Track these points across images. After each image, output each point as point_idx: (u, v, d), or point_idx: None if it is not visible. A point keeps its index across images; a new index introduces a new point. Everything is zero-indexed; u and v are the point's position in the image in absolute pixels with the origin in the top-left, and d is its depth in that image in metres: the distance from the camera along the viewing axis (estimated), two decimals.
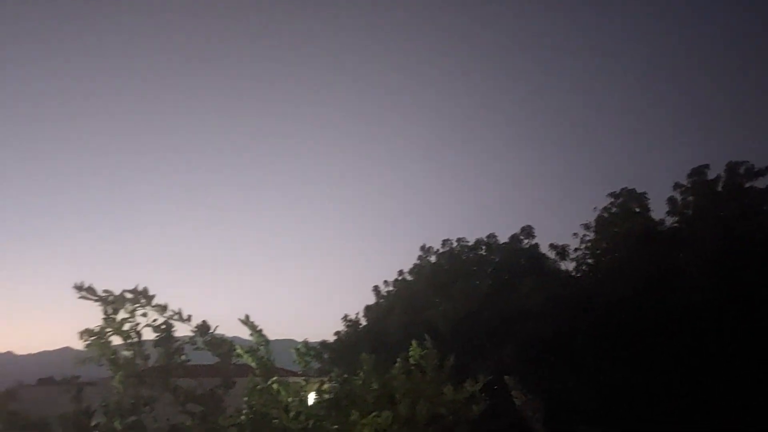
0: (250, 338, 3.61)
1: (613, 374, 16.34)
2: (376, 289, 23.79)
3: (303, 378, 3.77)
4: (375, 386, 3.44)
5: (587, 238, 22.04)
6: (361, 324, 22.81)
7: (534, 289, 18.14)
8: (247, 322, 3.27)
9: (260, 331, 3.29)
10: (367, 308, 23.44)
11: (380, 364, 4.00)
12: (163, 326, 2.98)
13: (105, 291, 2.88)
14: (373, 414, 2.98)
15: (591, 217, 21.84)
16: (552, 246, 21.47)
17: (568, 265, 21.80)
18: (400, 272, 23.01)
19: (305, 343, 4.17)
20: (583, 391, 16.11)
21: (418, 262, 22.68)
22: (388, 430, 3.08)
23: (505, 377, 14.60)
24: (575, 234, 22.14)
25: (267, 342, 3.37)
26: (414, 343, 4.06)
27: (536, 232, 21.36)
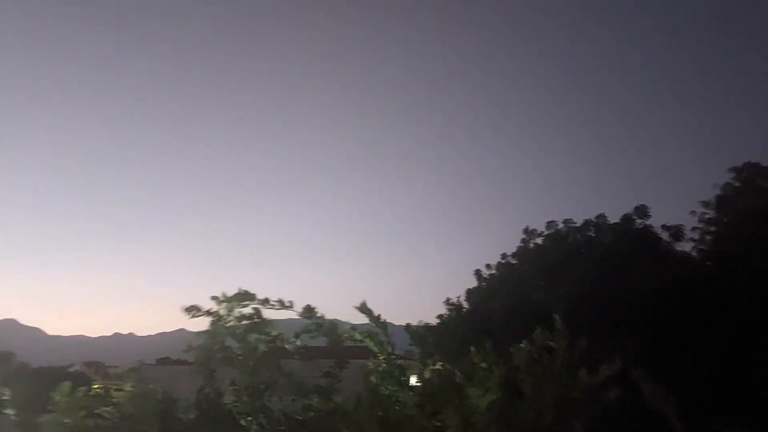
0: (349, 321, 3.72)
1: (741, 366, 15.10)
2: (477, 272, 23.30)
3: (405, 360, 3.67)
4: (497, 369, 3.26)
5: (706, 216, 20.54)
6: (463, 308, 22.40)
7: (649, 273, 17.02)
8: (364, 308, 3.26)
9: (378, 316, 3.23)
10: (469, 292, 23.03)
11: (495, 347, 3.78)
12: (260, 313, 3.06)
13: (212, 297, 3.03)
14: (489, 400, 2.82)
15: (708, 195, 20.33)
16: (665, 227, 20.07)
17: (684, 246, 20.40)
18: (503, 255, 22.35)
19: (423, 327, 4.02)
20: (715, 383, 14.98)
21: (521, 245, 21.93)
22: (511, 412, 2.88)
23: (630, 367, 13.83)
24: (693, 212, 20.74)
25: (385, 326, 3.33)
26: (537, 329, 3.89)
27: (650, 212, 19.97)
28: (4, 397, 2.32)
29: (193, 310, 3.02)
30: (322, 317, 3.18)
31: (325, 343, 3.21)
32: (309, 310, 3.09)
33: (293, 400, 3.07)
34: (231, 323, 3.10)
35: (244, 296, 3.05)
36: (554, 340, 3.68)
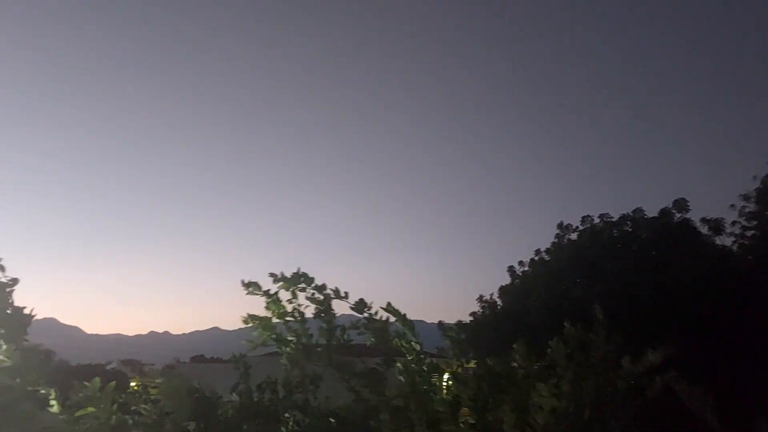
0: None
1: None
2: (511, 269, 23.02)
3: (439, 358, 3.59)
4: (535, 367, 3.21)
5: (747, 210, 19.93)
6: (497, 305, 22.16)
7: (688, 268, 16.57)
8: (390, 308, 3.15)
9: (404, 315, 3.14)
10: (503, 289, 22.76)
11: (532, 345, 3.70)
12: (324, 305, 2.94)
13: (270, 274, 2.89)
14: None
15: (749, 187, 19.68)
16: (704, 220, 19.53)
17: (724, 240, 19.81)
18: (537, 251, 22.01)
19: (456, 325, 3.91)
20: (755, 382, 14.50)
21: (555, 240, 21.56)
22: (554, 409, 2.80)
23: (668, 366, 13.47)
24: (732, 205, 20.14)
25: (412, 326, 3.25)
26: (566, 322, 3.82)
27: (690, 206, 19.43)
28: (49, 396, 2.32)
29: (252, 287, 2.90)
30: (375, 314, 3.10)
31: (361, 339, 3.16)
32: (362, 304, 2.98)
33: (327, 397, 3.02)
34: (291, 307, 2.98)
35: (302, 278, 2.90)
36: (593, 332, 3.58)
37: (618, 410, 3.39)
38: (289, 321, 2.92)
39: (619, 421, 3.35)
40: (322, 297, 2.91)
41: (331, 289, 2.96)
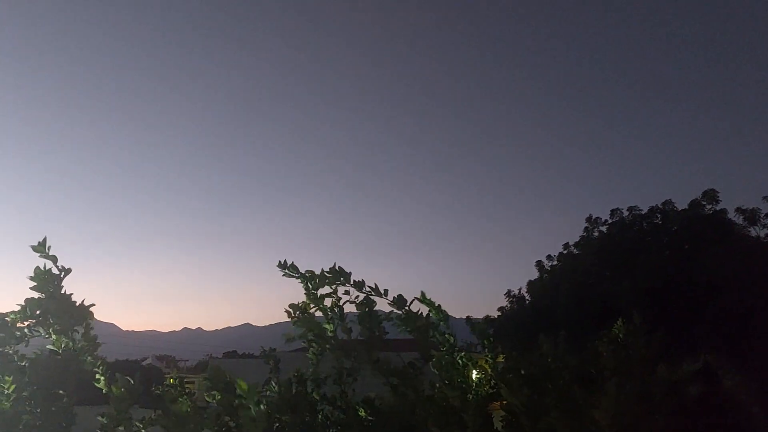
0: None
1: None
2: (539, 263, 22.85)
3: (468, 353, 3.61)
4: (573, 363, 3.18)
5: None
6: (526, 299, 22.04)
7: (722, 259, 16.23)
8: (424, 299, 3.15)
9: (438, 306, 3.16)
10: (530, 283, 22.61)
11: (551, 338, 3.71)
12: (364, 301, 2.96)
13: (307, 271, 2.92)
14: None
15: None
16: (739, 210, 19.07)
17: (759, 232, 19.35)
18: (566, 245, 21.84)
19: (484, 319, 3.92)
20: None
21: (584, 234, 21.34)
22: (591, 410, 2.79)
23: (706, 356, 13.28)
24: (765, 198, 19.67)
25: (446, 317, 3.24)
26: (620, 320, 3.76)
27: (721, 196, 19.01)
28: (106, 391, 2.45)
29: (288, 269, 2.92)
30: (412, 311, 3.09)
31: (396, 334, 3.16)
32: (402, 301, 2.98)
33: (357, 391, 3.04)
34: (328, 303, 3.01)
35: (341, 273, 2.92)
36: (630, 334, 3.57)
37: (660, 409, 3.38)
38: (329, 315, 2.94)
39: (662, 417, 3.35)
40: (362, 294, 2.93)
41: (370, 287, 2.96)
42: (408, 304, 2.94)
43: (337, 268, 2.92)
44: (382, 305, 2.97)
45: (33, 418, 2.28)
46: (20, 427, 2.24)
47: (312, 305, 2.91)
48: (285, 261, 2.94)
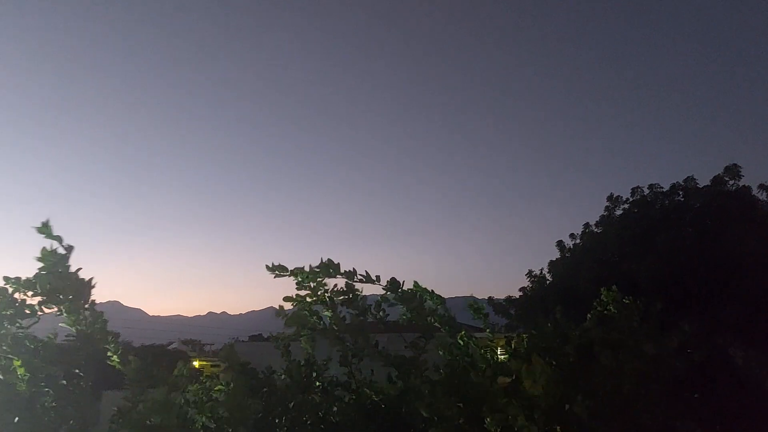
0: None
1: None
2: (560, 243, 22.64)
3: (489, 333, 3.64)
4: (572, 336, 3.18)
5: None
6: (547, 279, 21.93)
7: (744, 236, 15.98)
8: (418, 287, 3.21)
9: (432, 292, 3.20)
10: (552, 263, 22.44)
11: (573, 317, 3.70)
12: (344, 288, 3.03)
13: (296, 268, 2.98)
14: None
15: None
16: (762, 186, 18.67)
17: None
18: (587, 225, 21.63)
19: (506, 299, 3.89)
20: None
21: (605, 213, 21.10)
22: (591, 383, 2.81)
23: (724, 334, 13.17)
24: None
25: (442, 301, 3.30)
26: (603, 290, 3.73)
27: (743, 172, 18.60)
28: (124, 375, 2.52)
29: (277, 270, 2.95)
30: (408, 291, 3.13)
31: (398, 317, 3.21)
32: (394, 284, 3.04)
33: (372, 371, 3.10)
34: (319, 294, 3.07)
35: (330, 266, 2.97)
36: (621, 309, 3.58)
37: (659, 380, 3.36)
38: (321, 305, 3.01)
39: (663, 387, 3.34)
40: (351, 283, 2.99)
41: (361, 274, 3.00)
42: (401, 286, 3.02)
43: (325, 261, 2.96)
44: (379, 291, 3.05)
45: (50, 399, 2.35)
46: (38, 407, 2.31)
47: (306, 295, 2.98)
48: (272, 263, 3.00)
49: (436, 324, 3.11)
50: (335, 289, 3.02)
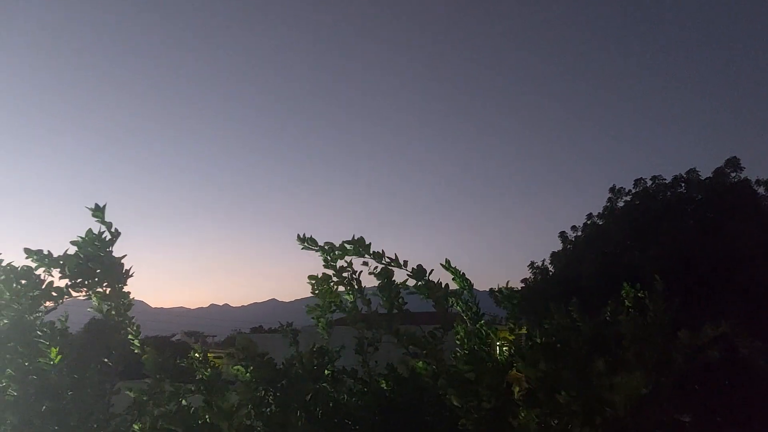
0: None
1: None
2: (562, 234, 22.64)
3: (490, 325, 3.60)
4: (587, 329, 3.16)
5: None
6: (549, 271, 21.92)
7: (746, 229, 15.99)
8: (448, 267, 3.11)
9: (463, 274, 3.13)
10: (554, 255, 22.43)
11: (584, 310, 3.68)
12: (383, 272, 2.94)
13: (326, 243, 2.91)
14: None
15: None
16: (759, 182, 18.62)
17: None
18: (589, 216, 21.62)
19: (508, 291, 3.87)
20: None
21: (607, 204, 21.08)
22: (611, 377, 2.80)
23: (726, 323, 13.13)
24: None
25: (470, 286, 3.22)
26: (626, 284, 3.67)
27: (745, 165, 18.55)
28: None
29: (307, 242, 2.90)
30: (432, 281, 3.03)
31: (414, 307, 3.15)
32: (421, 271, 2.91)
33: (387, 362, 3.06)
34: (344, 275, 2.96)
35: (361, 243, 2.88)
36: (650, 300, 3.54)
37: (676, 375, 3.35)
38: (348, 287, 2.94)
39: (678, 381, 3.34)
40: (390, 268, 2.90)
41: (389, 258, 2.90)
42: (428, 275, 2.92)
43: (356, 238, 2.87)
44: (402, 277, 2.95)
45: (80, 389, 2.36)
46: (68, 395, 2.32)
47: (332, 277, 2.92)
48: (304, 234, 2.92)
49: (459, 308, 3.04)
50: (368, 272, 2.94)
